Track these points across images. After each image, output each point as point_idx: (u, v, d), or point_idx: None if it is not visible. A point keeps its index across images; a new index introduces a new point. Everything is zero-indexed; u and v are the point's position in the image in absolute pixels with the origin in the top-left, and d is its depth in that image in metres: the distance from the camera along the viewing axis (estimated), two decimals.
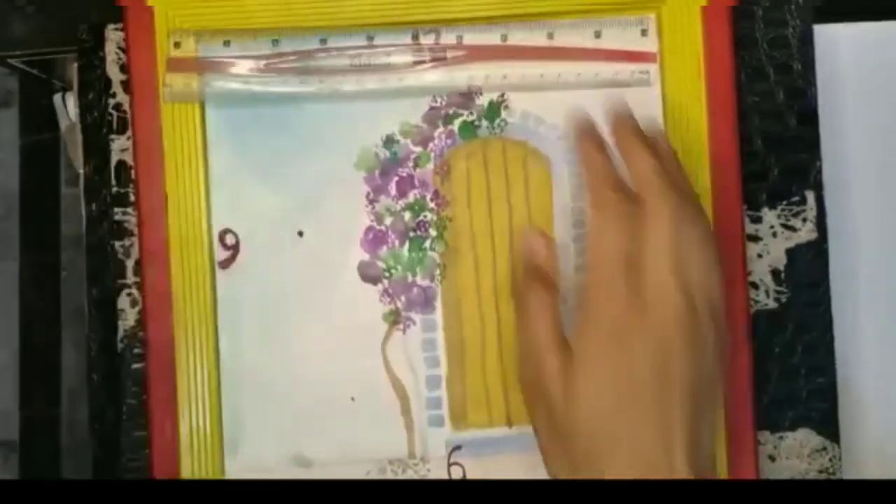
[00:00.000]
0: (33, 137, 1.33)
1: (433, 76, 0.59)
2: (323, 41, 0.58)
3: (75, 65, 0.61)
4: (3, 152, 1.33)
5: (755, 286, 0.62)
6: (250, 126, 0.59)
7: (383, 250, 0.60)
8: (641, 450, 0.43)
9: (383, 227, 0.60)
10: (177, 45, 0.58)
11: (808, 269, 0.62)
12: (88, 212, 0.61)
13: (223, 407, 0.59)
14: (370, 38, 0.58)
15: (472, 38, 0.59)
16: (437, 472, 0.59)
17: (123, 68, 0.60)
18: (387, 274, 0.60)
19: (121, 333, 0.60)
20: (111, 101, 0.60)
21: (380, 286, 0.60)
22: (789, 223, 0.62)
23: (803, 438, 0.61)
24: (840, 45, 0.63)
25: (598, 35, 0.59)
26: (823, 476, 0.61)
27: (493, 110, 0.60)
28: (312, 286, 0.59)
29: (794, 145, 0.62)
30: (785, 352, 0.61)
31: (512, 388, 0.60)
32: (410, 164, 0.60)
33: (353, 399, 0.59)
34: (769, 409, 0.61)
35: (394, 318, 0.59)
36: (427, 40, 0.59)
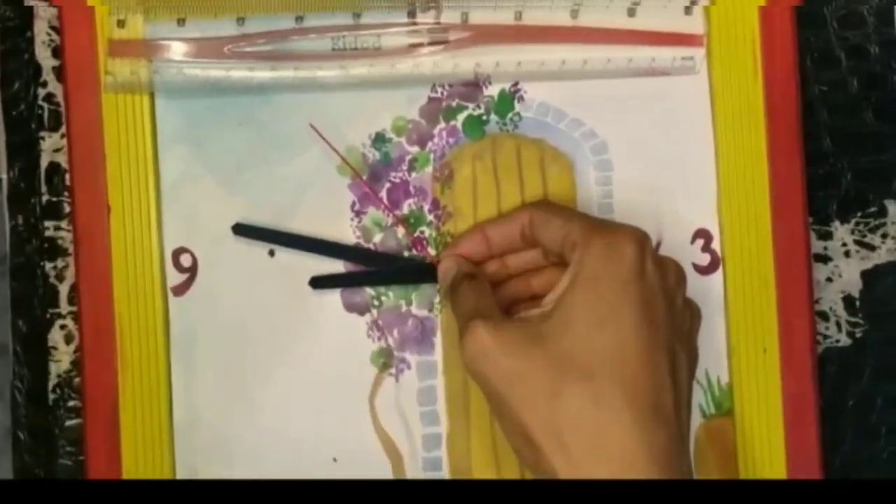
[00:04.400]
0: None
1: (432, 62, 0.58)
2: (299, 20, 0.57)
3: None
4: None
5: (824, 317, 0.61)
6: (210, 122, 0.58)
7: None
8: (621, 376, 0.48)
9: (372, 245, 0.58)
10: (120, 23, 0.57)
11: (890, 295, 0.62)
12: (13, 226, 0.60)
13: (177, 469, 0.58)
14: (356, 17, 0.57)
15: (480, 16, 0.58)
16: None
17: (56, 52, 0.59)
18: (376, 303, 0.58)
19: (53, 380, 0.59)
20: (41, 92, 0.60)
21: (367, 317, 0.58)
22: (865, 240, 0.61)
23: None
24: None
25: (631, 13, 0.58)
26: None
27: (505, 103, 0.59)
28: (285, 318, 0.58)
29: (871, 145, 0.61)
30: (861, 402, 0.61)
31: None
32: (405, 167, 0.58)
33: (334, 460, 0.58)
34: (842, 473, 0.61)
35: (384, 360, 0.58)
36: (425, 19, 0.58)
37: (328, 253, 0.57)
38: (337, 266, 0.58)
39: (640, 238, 0.50)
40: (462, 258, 0.55)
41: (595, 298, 0.49)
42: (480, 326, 0.50)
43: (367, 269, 0.57)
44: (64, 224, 0.59)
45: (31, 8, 0.59)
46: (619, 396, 0.47)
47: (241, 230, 0.57)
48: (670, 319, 0.50)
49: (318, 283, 0.57)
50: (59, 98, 0.59)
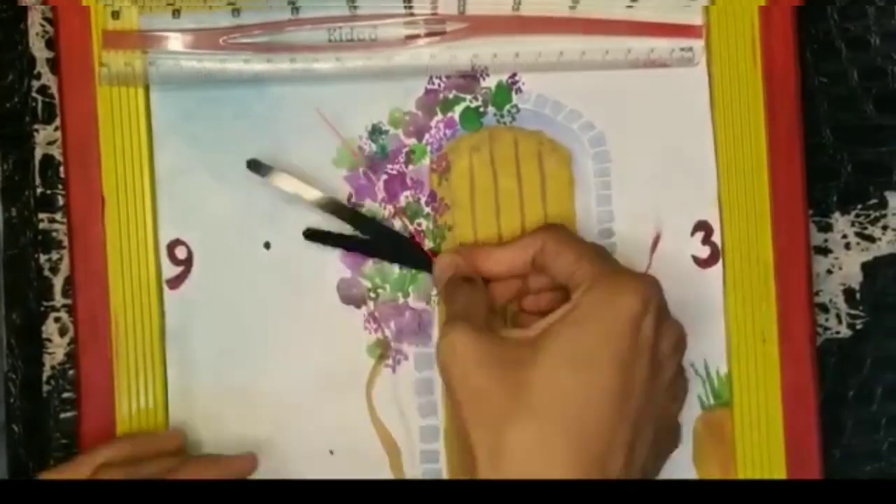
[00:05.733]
0: None
1: (430, 53, 0.58)
2: (295, 10, 0.57)
3: None
4: None
5: (824, 309, 0.61)
6: (205, 115, 0.58)
7: (368, 266, 0.58)
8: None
9: (369, 238, 0.58)
10: (115, 15, 0.57)
11: (890, 287, 0.61)
12: (7, 218, 0.60)
13: None
14: (353, 7, 0.57)
15: (478, 6, 0.57)
16: None
17: (50, 43, 0.59)
18: (372, 295, 0.58)
19: (47, 372, 0.59)
20: (35, 84, 0.60)
21: (364, 310, 0.58)
22: (866, 232, 0.61)
23: None
24: None
25: (631, 4, 0.58)
26: None
27: (503, 94, 0.59)
28: (281, 310, 0.58)
29: (872, 137, 0.61)
30: (861, 393, 0.61)
31: None
32: (402, 159, 0.58)
33: (331, 453, 0.58)
34: (841, 465, 0.61)
35: (381, 352, 0.58)
36: (422, 9, 0.57)
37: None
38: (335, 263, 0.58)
39: (646, 294, 0.49)
40: (460, 259, 0.55)
41: (578, 340, 0.48)
42: (459, 331, 0.49)
43: (366, 239, 0.57)
44: (58, 216, 0.59)
45: None
46: (564, 448, 0.46)
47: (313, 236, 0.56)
48: (648, 390, 0.49)
49: (313, 236, 0.57)
50: (54, 90, 0.59)
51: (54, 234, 0.59)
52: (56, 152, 0.59)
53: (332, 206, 0.56)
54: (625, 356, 0.47)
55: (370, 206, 0.58)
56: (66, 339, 0.58)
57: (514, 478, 0.47)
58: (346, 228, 0.57)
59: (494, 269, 0.55)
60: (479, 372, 0.48)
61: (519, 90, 0.58)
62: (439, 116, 0.58)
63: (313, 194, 0.56)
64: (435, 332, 0.58)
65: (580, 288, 0.49)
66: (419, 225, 0.58)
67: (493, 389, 0.48)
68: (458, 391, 0.49)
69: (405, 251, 0.57)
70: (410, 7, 0.57)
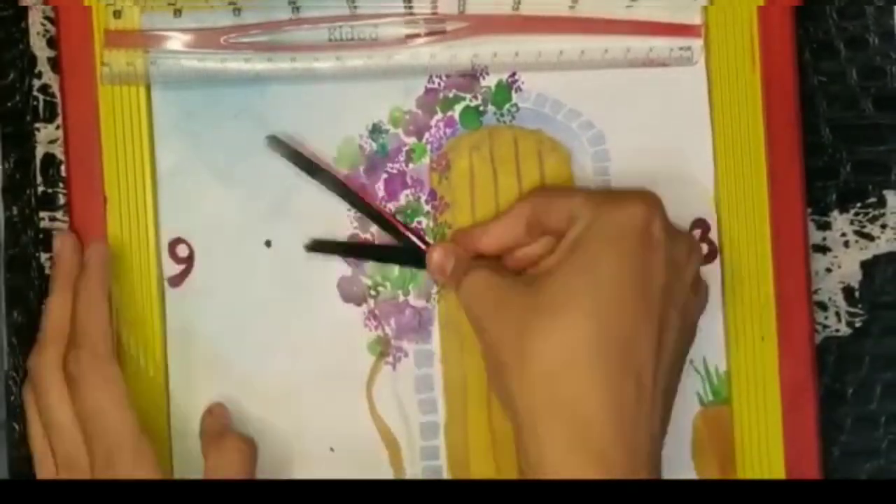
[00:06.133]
0: None
1: (430, 52, 0.58)
2: (295, 10, 0.57)
3: None
4: None
5: (823, 307, 0.61)
6: (206, 113, 0.58)
7: (369, 264, 0.58)
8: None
9: (369, 236, 0.58)
10: (117, 14, 0.57)
11: (889, 285, 0.61)
12: (8, 217, 0.60)
13: (174, 459, 0.57)
14: (353, 6, 0.57)
15: (478, 6, 0.57)
16: None
17: (52, 42, 0.59)
18: (373, 293, 0.58)
19: None
20: (36, 83, 0.60)
21: (364, 307, 0.58)
22: (865, 230, 0.61)
23: None
24: None
25: (630, 3, 0.58)
26: None
27: (503, 93, 0.59)
28: (282, 308, 0.58)
29: (870, 135, 0.61)
30: (860, 391, 0.61)
31: None
32: (402, 158, 0.59)
33: (331, 450, 0.58)
34: (840, 463, 0.60)
35: (381, 349, 0.58)
36: (422, 8, 0.57)
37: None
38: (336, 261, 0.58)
39: (649, 201, 0.50)
40: (456, 248, 0.55)
41: (589, 251, 0.49)
42: (482, 270, 0.53)
43: (367, 245, 0.57)
44: (59, 215, 0.59)
45: None
46: (587, 337, 0.47)
47: (317, 246, 0.57)
48: (669, 290, 0.49)
49: (317, 247, 0.57)
50: (55, 89, 0.59)
51: (55, 232, 0.58)
52: (57, 151, 0.59)
53: (344, 192, 0.56)
54: (638, 253, 0.49)
55: None
56: None
57: (543, 377, 0.48)
58: (348, 232, 0.58)
59: (494, 244, 0.55)
60: (501, 292, 0.51)
61: (519, 89, 0.58)
62: (439, 115, 0.58)
63: (329, 177, 0.56)
64: (435, 330, 0.58)
65: (583, 218, 0.50)
66: (419, 223, 0.58)
67: (514, 300, 0.50)
68: (484, 315, 0.51)
69: (408, 251, 0.57)
70: (410, 6, 0.57)
